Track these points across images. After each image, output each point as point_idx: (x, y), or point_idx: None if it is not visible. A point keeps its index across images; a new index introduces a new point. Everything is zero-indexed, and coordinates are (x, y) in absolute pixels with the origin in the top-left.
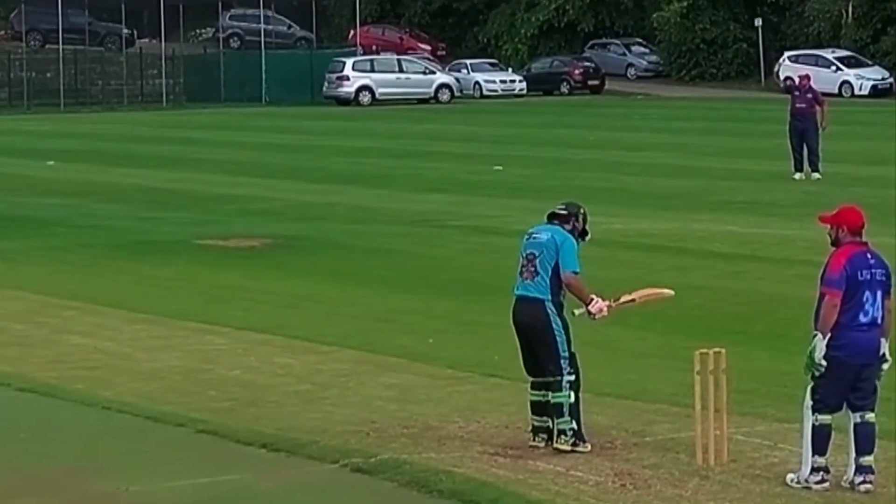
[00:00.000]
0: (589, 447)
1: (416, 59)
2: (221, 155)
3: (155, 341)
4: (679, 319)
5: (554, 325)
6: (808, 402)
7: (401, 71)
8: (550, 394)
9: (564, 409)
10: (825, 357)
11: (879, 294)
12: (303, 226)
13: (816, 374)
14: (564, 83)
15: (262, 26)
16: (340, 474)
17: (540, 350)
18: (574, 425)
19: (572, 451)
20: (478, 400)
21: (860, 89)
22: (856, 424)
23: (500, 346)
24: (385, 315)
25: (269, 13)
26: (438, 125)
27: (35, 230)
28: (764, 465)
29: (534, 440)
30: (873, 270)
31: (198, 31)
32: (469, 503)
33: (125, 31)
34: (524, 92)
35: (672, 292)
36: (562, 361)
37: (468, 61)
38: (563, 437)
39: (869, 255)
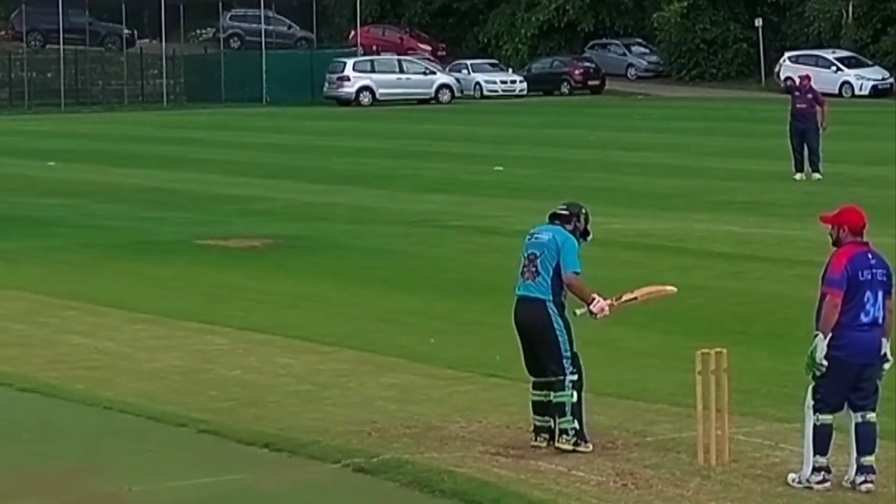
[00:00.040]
0: (591, 447)
1: (416, 60)
2: (222, 155)
3: (155, 341)
4: (679, 319)
5: (555, 325)
6: (810, 401)
7: (401, 71)
8: (552, 393)
9: (567, 409)
10: (826, 357)
11: (880, 294)
12: (303, 226)
13: (817, 373)
14: (565, 83)
15: (263, 26)
16: (342, 474)
17: (541, 350)
18: (576, 425)
19: (574, 451)
20: (479, 400)
21: (860, 89)
22: (857, 424)
23: (500, 347)
24: (385, 315)
25: (270, 13)
26: (439, 125)
27: (36, 230)
28: (765, 465)
29: (536, 440)
30: (874, 270)
31: (198, 31)
32: (471, 503)
33: (126, 31)
34: (524, 92)
35: (674, 288)
36: (564, 361)
37: (468, 61)
38: (564, 436)
39: (870, 256)
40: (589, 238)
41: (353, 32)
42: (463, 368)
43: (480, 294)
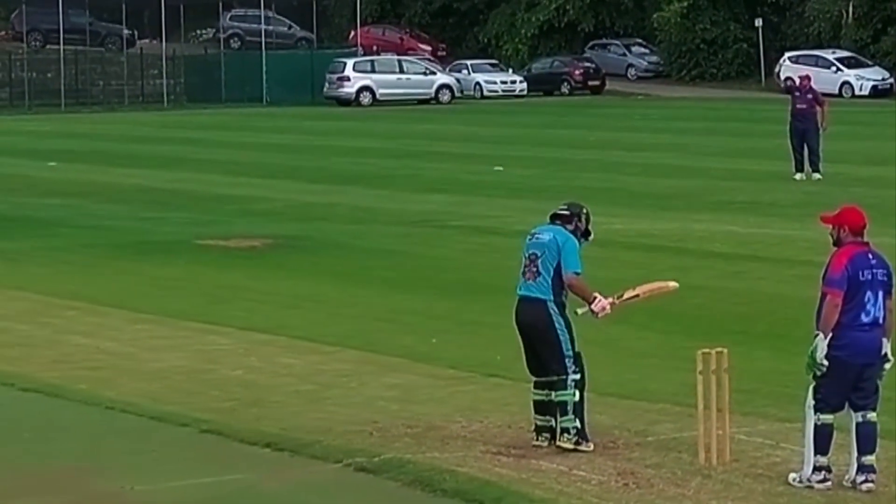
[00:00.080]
0: (592, 446)
1: (416, 60)
2: (222, 155)
3: (157, 341)
4: (680, 319)
5: (556, 325)
6: (810, 401)
7: (401, 71)
8: (554, 392)
9: (569, 408)
10: (827, 357)
11: (881, 294)
12: (304, 226)
13: (818, 373)
14: (565, 83)
15: (263, 27)
16: (344, 474)
17: (543, 350)
18: (577, 424)
19: (575, 450)
20: (480, 400)
21: (860, 90)
22: (857, 424)
23: (501, 346)
24: (386, 315)
25: (270, 14)
26: (439, 125)
27: (37, 231)
28: (766, 465)
29: (537, 439)
30: (875, 270)
31: (198, 31)
32: (472, 502)
33: (126, 31)
34: (525, 92)
35: (676, 284)
36: (566, 360)
37: (468, 62)
38: (566, 434)
39: (870, 256)
40: (590, 238)
41: (353, 32)
42: (464, 368)
43: (481, 294)
